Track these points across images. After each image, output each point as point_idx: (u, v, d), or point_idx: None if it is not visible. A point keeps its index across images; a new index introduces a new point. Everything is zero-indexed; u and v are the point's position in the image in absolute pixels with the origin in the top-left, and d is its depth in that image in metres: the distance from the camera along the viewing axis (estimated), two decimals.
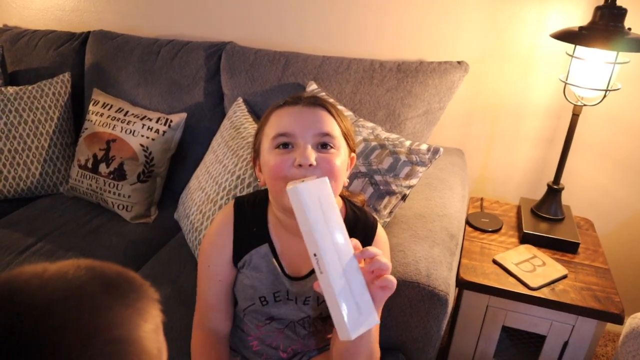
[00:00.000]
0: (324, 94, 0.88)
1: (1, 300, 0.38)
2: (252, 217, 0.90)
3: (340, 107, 0.89)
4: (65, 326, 0.37)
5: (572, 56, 1.20)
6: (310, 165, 0.76)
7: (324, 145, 0.79)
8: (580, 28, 1.14)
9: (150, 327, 0.42)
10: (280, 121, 0.80)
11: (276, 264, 0.89)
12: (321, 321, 0.95)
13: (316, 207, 0.66)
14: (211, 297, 0.93)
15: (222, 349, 0.95)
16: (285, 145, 0.79)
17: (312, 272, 0.89)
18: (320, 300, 0.90)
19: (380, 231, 0.90)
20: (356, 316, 0.64)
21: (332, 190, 0.69)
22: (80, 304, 0.39)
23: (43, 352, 0.35)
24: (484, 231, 1.41)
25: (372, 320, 0.66)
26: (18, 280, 0.40)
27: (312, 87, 1.46)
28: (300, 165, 0.76)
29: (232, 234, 0.90)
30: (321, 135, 0.78)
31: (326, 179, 0.70)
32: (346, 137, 0.83)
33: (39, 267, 0.42)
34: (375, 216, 0.96)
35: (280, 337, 0.95)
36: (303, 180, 0.69)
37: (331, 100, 0.86)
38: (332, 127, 0.81)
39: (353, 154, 0.87)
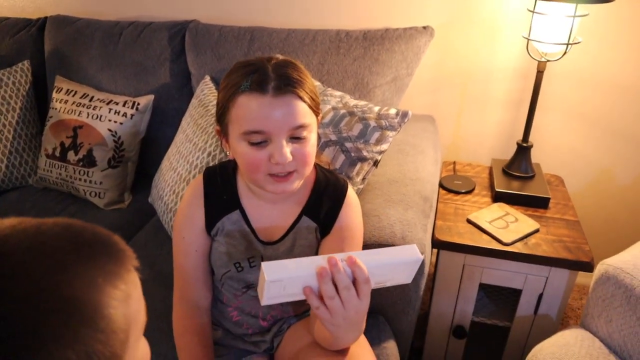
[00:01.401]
0: (280, 57, 0.83)
1: None
2: (222, 185, 0.90)
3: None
4: (16, 275, 0.37)
5: (533, 12, 1.21)
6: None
7: (297, 137, 0.78)
8: None
9: (118, 294, 0.41)
10: (250, 114, 0.76)
11: (249, 229, 0.89)
12: None
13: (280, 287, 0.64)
14: (189, 270, 0.92)
15: (205, 322, 0.95)
16: (259, 141, 0.77)
17: (284, 236, 0.90)
18: None
19: (351, 192, 0.91)
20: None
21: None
22: (39, 256, 0.38)
23: None
24: (457, 193, 1.43)
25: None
26: None
27: None
28: (277, 163, 0.77)
29: (202, 203, 0.90)
30: (295, 129, 0.77)
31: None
32: (313, 108, 0.81)
33: (18, 219, 0.42)
34: (347, 180, 0.96)
35: (259, 305, 0.96)
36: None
37: (292, 62, 0.81)
38: (304, 114, 0.77)
39: (320, 114, 0.86)
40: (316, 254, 0.91)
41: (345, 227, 0.88)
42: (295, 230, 0.89)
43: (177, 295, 0.96)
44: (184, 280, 0.94)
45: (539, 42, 1.22)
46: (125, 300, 0.42)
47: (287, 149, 0.77)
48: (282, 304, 0.97)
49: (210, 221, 0.90)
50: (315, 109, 0.81)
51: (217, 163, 1.21)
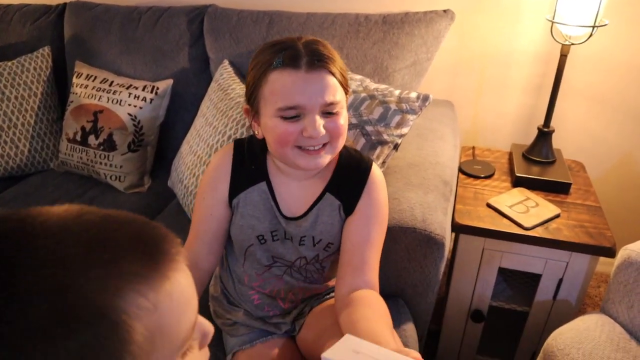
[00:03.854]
0: (308, 36, 0.83)
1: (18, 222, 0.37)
2: (251, 157, 0.91)
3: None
4: (16, 258, 0.35)
5: None
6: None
7: (329, 112, 0.79)
8: None
9: (141, 302, 0.36)
10: (284, 90, 0.77)
11: (273, 203, 0.90)
12: (319, 268, 0.96)
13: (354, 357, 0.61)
14: (200, 229, 0.92)
15: (198, 278, 0.88)
16: (293, 116, 0.78)
17: (307, 212, 0.90)
18: (315, 241, 0.91)
19: (375, 170, 0.91)
20: None
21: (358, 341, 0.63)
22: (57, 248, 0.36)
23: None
24: (476, 177, 1.43)
25: None
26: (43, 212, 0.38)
27: None
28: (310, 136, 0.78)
29: (230, 170, 0.91)
30: (328, 105, 0.78)
31: (349, 335, 0.63)
32: (344, 84, 0.82)
33: (77, 207, 0.40)
34: (371, 158, 0.97)
35: (280, 284, 0.97)
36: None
37: (320, 40, 0.82)
38: (337, 90, 0.79)
39: (349, 91, 0.87)
40: (340, 233, 0.91)
41: (370, 205, 0.89)
42: (318, 207, 0.90)
43: (185, 245, 0.94)
44: (192, 236, 0.94)
45: (564, 24, 1.20)
46: (152, 311, 0.37)
47: (321, 124, 0.78)
48: (303, 281, 0.98)
49: (235, 190, 0.90)
50: (346, 85, 0.82)
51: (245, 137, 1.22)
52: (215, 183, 0.91)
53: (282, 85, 0.77)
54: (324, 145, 0.81)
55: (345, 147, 0.93)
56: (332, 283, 1.03)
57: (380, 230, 0.89)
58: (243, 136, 1.22)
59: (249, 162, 0.91)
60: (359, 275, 0.86)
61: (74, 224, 0.38)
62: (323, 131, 0.78)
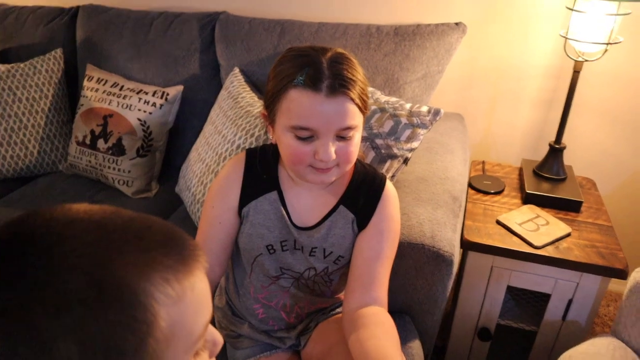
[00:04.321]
0: (335, 49, 0.81)
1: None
2: (263, 166, 0.91)
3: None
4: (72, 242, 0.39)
5: (572, 9, 1.18)
6: None
7: (343, 136, 0.79)
8: None
9: (168, 290, 0.39)
10: (300, 110, 0.76)
11: (284, 212, 0.89)
12: (327, 281, 0.95)
13: None
14: (207, 238, 0.91)
15: None
16: (306, 136, 0.78)
17: (320, 222, 0.89)
18: (326, 253, 0.90)
19: (389, 186, 0.91)
20: None
21: None
22: (95, 233, 0.40)
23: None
24: (486, 193, 1.41)
25: None
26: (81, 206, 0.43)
27: None
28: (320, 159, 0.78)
29: (241, 179, 0.90)
30: (343, 129, 0.78)
31: None
32: (362, 108, 0.80)
33: (113, 208, 0.44)
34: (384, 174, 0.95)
35: (286, 296, 0.96)
36: None
37: (347, 57, 0.79)
38: (354, 116, 0.78)
39: (367, 112, 0.85)
40: (351, 246, 0.90)
41: (383, 220, 0.88)
42: (331, 219, 0.89)
43: None
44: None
45: (578, 41, 1.19)
46: (175, 301, 0.40)
47: (333, 148, 0.78)
48: (309, 294, 0.96)
49: (245, 199, 0.89)
50: (364, 108, 0.81)
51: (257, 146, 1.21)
52: (225, 191, 0.91)
53: (299, 104, 0.76)
54: (333, 166, 0.82)
55: (359, 161, 0.92)
56: (339, 297, 1.02)
57: (392, 246, 0.88)
58: (252, 146, 1.22)
59: (261, 171, 0.90)
60: (369, 292, 0.85)
61: (114, 215, 0.42)
62: (334, 156, 0.79)
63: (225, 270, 0.98)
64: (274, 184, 0.90)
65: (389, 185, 0.91)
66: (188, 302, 0.41)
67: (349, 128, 0.78)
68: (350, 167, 0.84)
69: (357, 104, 0.77)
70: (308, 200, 0.90)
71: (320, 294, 0.97)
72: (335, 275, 0.95)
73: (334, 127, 0.77)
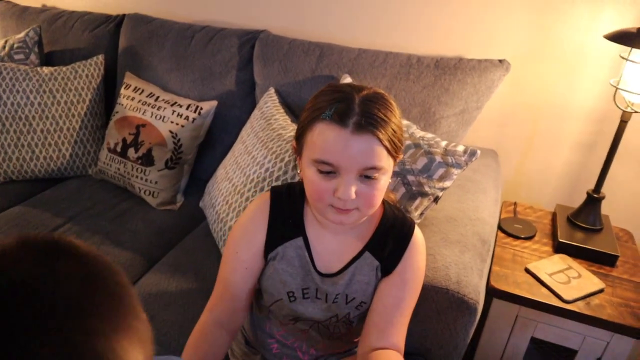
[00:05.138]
0: (373, 89, 0.80)
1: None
2: (289, 208, 0.88)
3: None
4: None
5: (626, 59, 1.14)
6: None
7: (367, 176, 0.76)
8: (639, 30, 1.07)
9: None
10: (324, 144, 0.74)
11: (309, 258, 0.87)
12: (347, 323, 0.92)
13: None
14: (231, 285, 0.88)
15: (222, 342, 0.88)
16: (328, 171, 0.76)
17: (344, 269, 0.86)
18: (349, 299, 0.87)
19: (418, 233, 0.87)
20: None
21: None
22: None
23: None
24: (516, 238, 1.36)
25: None
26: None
27: (347, 80, 1.43)
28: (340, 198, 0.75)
29: (266, 222, 0.87)
30: (366, 169, 0.75)
31: None
32: (392, 152, 0.77)
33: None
34: (414, 220, 0.92)
35: (304, 338, 0.93)
36: None
37: (382, 97, 0.78)
38: (381, 157, 0.75)
39: (400, 156, 0.83)
40: (374, 292, 0.87)
41: (408, 269, 0.85)
42: (355, 265, 0.86)
43: (210, 302, 0.91)
44: (221, 294, 0.89)
45: (629, 92, 1.14)
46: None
47: (353, 188, 0.74)
48: (327, 339, 0.94)
49: (271, 243, 0.87)
50: (395, 152, 0.77)
51: (284, 183, 1.19)
52: (250, 236, 0.88)
53: (324, 138, 0.74)
54: (353, 209, 0.78)
55: (388, 203, 0.89)
56: (356, 341, 0.99)
57: (414, 295, 0.85)
58: (281, 171, 1.20)
59: (287, 213, 0.88)
60: (386, 337, 0.82)
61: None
62: (353, 196, 0.75)
63: (246, 317, 0.95)
64: (300, 229, 0.87)
65: (417, 233, 0.87)
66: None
67: (373, 169, 0.74)
68: (372, 211, 0.80)
69: (385, 146, 0.74)
70: (333, 245, 0.87)
71: (340, 336, 0.94)
72: (355, 319, 0.92)
73: (356, 166, 0.74)
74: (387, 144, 0.74)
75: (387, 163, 0.76)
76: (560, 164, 1.57)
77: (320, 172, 0.76)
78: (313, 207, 0.82)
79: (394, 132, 0.75)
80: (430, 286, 1.02)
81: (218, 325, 0.88)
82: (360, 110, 0.73)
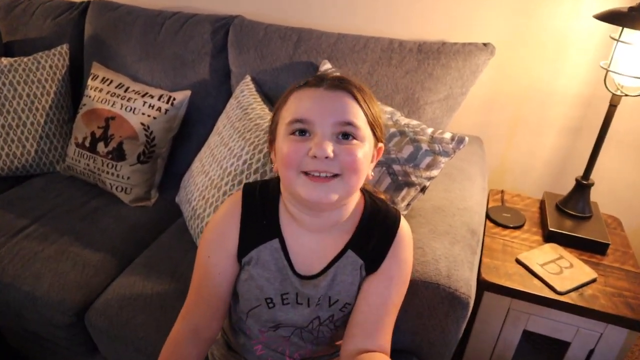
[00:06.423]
0: (351, 75, 0.78)
1: None
2: (263, 208, 0.81)
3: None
4: None
5: (617, 40, 1.09)
6: (327, 157, 0.68)
7: (345, 136, 0.70)
8: (630, 9, 1.03)
9: None
10: (298, 105, 0.72)
11: (286, 262, 0.80)
12: (332, 327, 0.86)
13: None
14: (205, 291, 0.82)
15: (197, 352, 0.82)
16: (302, 132, 0.70)
17: (325, 270, 0.80)
18: (332, 302, 0.81)
19: (404, 226, 0.81)
20: None
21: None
22: None
23: None
24: (505, 227, 1.32)
25: None
26: None
27: (326, 66, 1.36)
28: (315, 157, 0.68)
29: (239, 224, 0.80)
30: (342, 124, 0.69)
31: None
32: (373, 126, 0.74)
33: None
34: (399, 211, 0.86)
35: (286, 344, 0.87)
36: None
37: (359, 83, 0.75)
38: (357, 115, 0.71)
39: (381, 144, 0.78)
40: (358, 291, 0.81)
41: (394, 265, 0.79)
42: (337, 264, 0.80)
43: (183, 311, 0.84)
44: (195, 301, 0.83)
45: (620, 74, 1.10)
46: None
47: (329, 144, 0.69)
48: (311, 344, 0.88)
49: (245, 247, 0.80)
50: (373, 124, 0.74)
51: (253, 178, 1.13)
52: (222, 240, 0.81)
53: (298, 101, 0.72)
54: (335, 176, 0.70)
55: (370, 195, 0.83)
56: (340, 343, 0.94)
57: (401, 292, 0.80)
58: (259, 163, 1.13)
59: (261, 214, 0.81)
60: (371, 339, 0.77)
61: None
62: (330, 153, 0.68)
63: (222, 324, 0.88)
64: (275, 230, 0.80)
65: (403, 225, 0.81)
66: None
67: (350, 124, 0.70)
68: (355, 181, 0.71)
69: (361, 106, 0.72)
70: (312, 244, 0.80)
71: (324, 340, 0.88)
72: (340, 322, 0.86)
73: (330, 119, 0.69)
74: (363, 105, 0.72)
75: (364, 126, 0.72)
76: (546, 149, 1.53)
77: (293, 134, 0.71)
78: (287, 185, 0.74)
79: (371, 105, 0.74)
80: (420, 281, 0.97)
81: (193, 333, 0.82)
82: (333, 78, 0.74)
